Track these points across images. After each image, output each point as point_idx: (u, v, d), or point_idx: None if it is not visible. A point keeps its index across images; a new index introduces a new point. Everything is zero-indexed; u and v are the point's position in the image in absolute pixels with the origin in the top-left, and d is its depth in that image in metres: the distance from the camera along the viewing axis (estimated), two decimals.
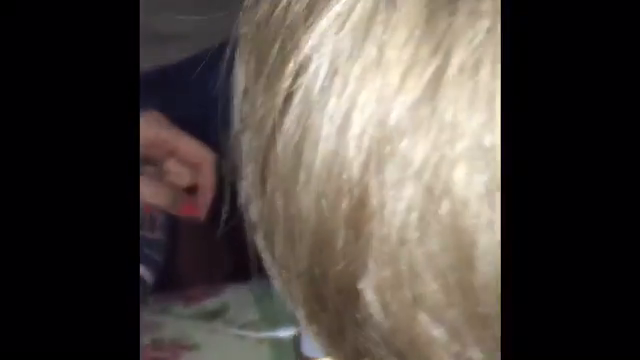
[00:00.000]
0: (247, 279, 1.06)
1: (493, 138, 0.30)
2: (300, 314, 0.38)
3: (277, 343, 1.01)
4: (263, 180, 0.36)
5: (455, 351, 0.32)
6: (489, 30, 0.30)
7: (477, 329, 0.31)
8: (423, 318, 0.32)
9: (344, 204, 0.32)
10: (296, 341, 1.01)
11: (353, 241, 0.33)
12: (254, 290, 1.05)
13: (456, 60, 0.30)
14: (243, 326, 1.02)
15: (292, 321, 1.05)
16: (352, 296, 0.34)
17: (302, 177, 0.33)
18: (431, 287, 0.31)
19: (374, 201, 0.32)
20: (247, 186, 0.39)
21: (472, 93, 0.30)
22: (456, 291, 0.31)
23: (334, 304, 0.35)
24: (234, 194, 0.43)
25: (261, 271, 0.42)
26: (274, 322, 1.02)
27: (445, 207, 0.31)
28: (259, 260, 0.42)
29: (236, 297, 1.06)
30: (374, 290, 0.33)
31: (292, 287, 0.37)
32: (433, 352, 0.33)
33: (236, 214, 0.43)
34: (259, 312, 1.03)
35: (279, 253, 0.37)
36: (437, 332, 0.32)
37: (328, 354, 0.38)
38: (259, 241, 0.39)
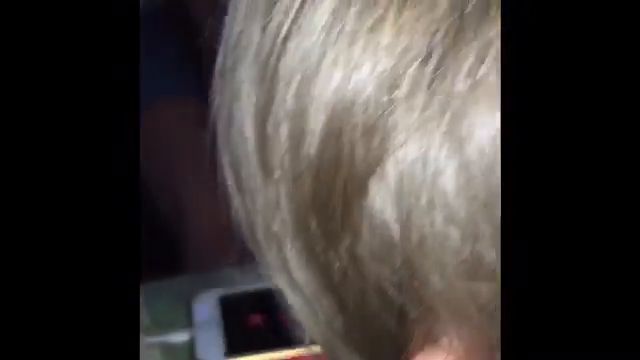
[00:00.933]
0: None
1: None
2: (283, 230, 0.36)
3: (169, 348, 0.92)
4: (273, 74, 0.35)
5: (466, 254, 0.31)
6: None
7: (496, 225, 0.31)
8: (438, 217, 0.31)
9: (369, 90, 0.32)
10: (190, 345, 0.93)
11: (375, 125, 0.32)
12: (143, 293, 0.93)
13: None
14: None
15: (185, 324, 0.96)
16: (361, 193, 0.33)
17: (321, 83, 0.33)
18: (453, 182, 0.31)
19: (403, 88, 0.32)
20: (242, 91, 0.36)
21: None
22: (478, 184, 0.31)
23: (337, 205, 0.33)
24: None
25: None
26: (165, 326, 0.93)
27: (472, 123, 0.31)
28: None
29: None
30: (390, 185, 0.32)
31: (280, 195, 0.35)
32: (442, 255, 0.32)
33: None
34: (149, 315, 0.92)
35: (275, 155, 0.35)
36: (452, 231, 0.31)
37: (305, 277, 0.36)
38: (244, 147, 0.36)
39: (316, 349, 0.38)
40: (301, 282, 0.36)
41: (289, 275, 0.36)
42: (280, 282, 0.37)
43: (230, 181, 0.38)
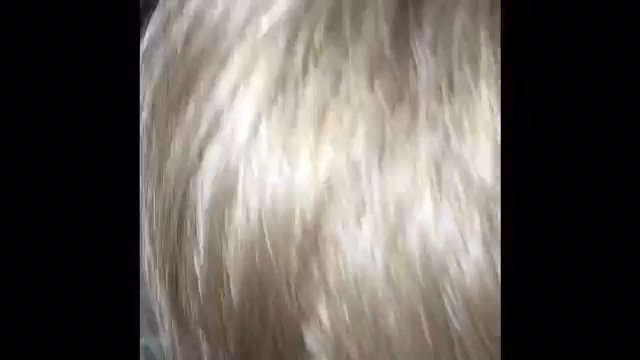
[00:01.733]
0: None
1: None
2: None
3: (153, 353, 0.91)
4: (179, 231, 0.32)
5: None
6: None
7: None
8: None
9: (295, 229, 0.29)
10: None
11: (305, 276, 0.29)
12: None
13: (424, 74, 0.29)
14: None
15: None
16: (295, 347, 0.30)
17: (238, 213, 0.30)
18: (397, 326, 0.28)
19: (331, 226, 0.29)
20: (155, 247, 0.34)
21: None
22: (425, 328, 0.28)
23: None
24: None
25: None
26: (148, 329, 0.91)
27: (412, 234, 0.28)
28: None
29: None
30: (326, 334, 0.29)
31: (202, 354, 0.33)
32: None
33: None
34: None
35: (192, 307, 0.32)
36: None
37: None
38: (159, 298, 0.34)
39: None
40: None
41: None
42: None
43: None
